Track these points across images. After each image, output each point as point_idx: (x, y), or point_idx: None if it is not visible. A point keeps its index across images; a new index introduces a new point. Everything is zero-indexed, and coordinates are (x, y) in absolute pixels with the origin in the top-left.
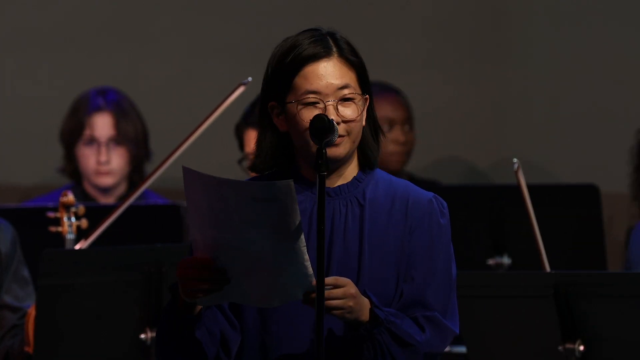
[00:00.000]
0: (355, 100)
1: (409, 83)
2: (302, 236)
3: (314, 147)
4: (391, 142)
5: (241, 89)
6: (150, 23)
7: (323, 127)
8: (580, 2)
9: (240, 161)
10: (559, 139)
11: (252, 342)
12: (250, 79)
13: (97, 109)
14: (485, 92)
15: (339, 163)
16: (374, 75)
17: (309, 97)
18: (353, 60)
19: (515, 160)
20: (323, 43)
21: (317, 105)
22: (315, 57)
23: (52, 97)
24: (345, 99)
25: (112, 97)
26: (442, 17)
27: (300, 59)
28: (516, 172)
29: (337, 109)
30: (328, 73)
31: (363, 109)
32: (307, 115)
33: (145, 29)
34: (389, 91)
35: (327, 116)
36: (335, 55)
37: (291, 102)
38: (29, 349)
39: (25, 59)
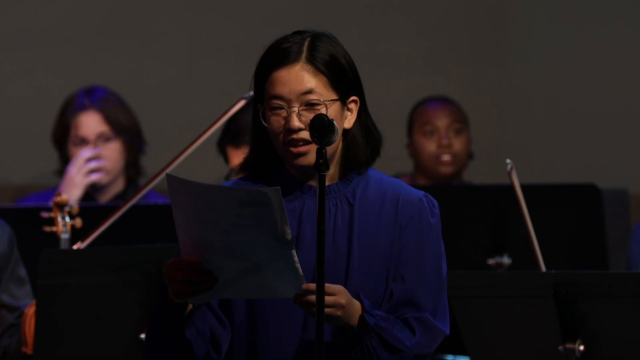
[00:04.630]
0: (320, 106)
1: (409, 83)
2: (292, 240)
3: (285, 153)
4: None
5: (242, 103)
6: (150, 23)
7: (323, 126)
8: (580, 2)
9: (226, 177)
10: (559, 139)
11: (241, 340)
12: (251, 92)
13: (82, 108)
14: (485, 92)
15: (310, 169)
16: (374, 76)
17: (274, 103)
18: (320, 68)
19: (508, 161)
20: (295, 48)
21: (280, 111)
22: (283, 63)
23: (51, 97)
24: (310, 104)
25: (98, 95)
26: (442, 17)
27: (268, 65)
28: (509, 173)
29: (301, 115)
30: (291, 79)
31: (328, 114)
32: (274, 120)
33: (145, 29)
34: None
35: (327, 116)
36: (303, 61)
37: (263, 106)
38: (26, 349)
39: (23, 59)
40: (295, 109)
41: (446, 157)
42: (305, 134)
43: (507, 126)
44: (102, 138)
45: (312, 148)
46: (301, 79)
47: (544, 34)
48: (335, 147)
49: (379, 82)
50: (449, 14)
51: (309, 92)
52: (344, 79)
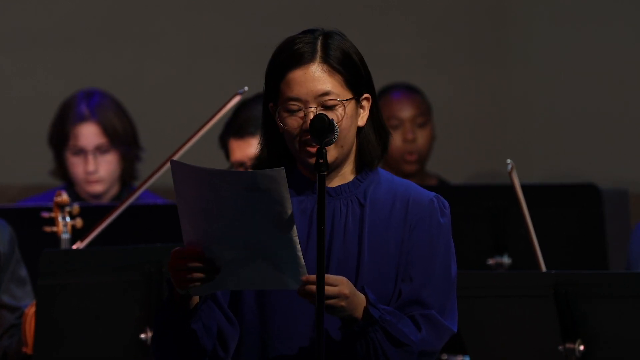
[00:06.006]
0: (337, 107)
1: (409, 83)
2: (294, 226)
3: (302, 153)
4: None
5: (237, 99)
6: (150, 23)
7: (323, 127)
8: (580, 2)
9: None
10: (559, 139)
11: (250, 337)
12: (246, 88)
13: (81, 119)
14: (485, 92)
15: (332, 167)
16: (374, 76)
17: (290, 105)
18: (336, 67)
19: (508, 161)
20: (309, 48)
21: (298, 113)
22: (298, 64)
23: (51, 97)
24: (327, 106)
25: (96, 101)
26: (442, 17)
27: (284, 65)
28: (510, 173)
29: None
30: (308, 79)
31: (346, 114)
32: (290, 122)
33: (145, 29)
34: None
35: (327, 116)
36: (318, 61)
37: (278, 107)
38: (27, 350)
39: (23, 59)
40: (313, 108)
41: (410, 156)
42: None
43: (507, 126)
44: (100, 150)
45: (331, 147)
46: (318, 79)
47: (544, 34)
48: (350, 146)
49: (379, 82)
50: (449, 14)
51: (326, 93)
52: (357, 77)
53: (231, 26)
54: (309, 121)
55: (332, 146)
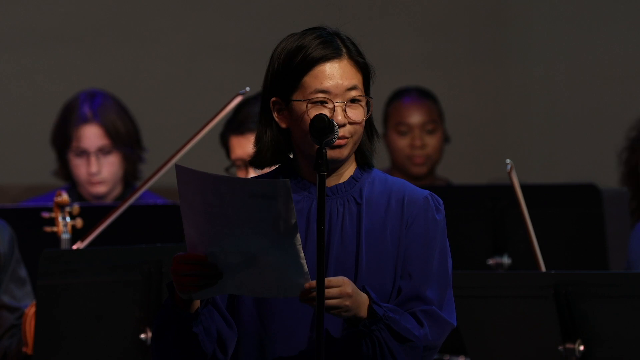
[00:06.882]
0: (362, 103)
1: (409, 83)
2: (298, 234)
3: (316, 146)
4: None
5: (239, 99)
6: (150, 23)
7: (323, 127)
8: (580, 3)
9: (227, 169)
10: (559, 139)
11: (249, 340)
12: (248, 88)
13: (84, 120)
14: (485, 92)
15: (340, 163)
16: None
17: (319, 96)
18: (361, 62)
19: (508, 161)
20: (332, 44)
21: (326, 104)
22: (326, 58)
23: (51, 97)
24: (352, 101)
25: (98, 103)
26: (442, 17)
27: (311, 59)
28: (509, 173)
29: (345, 110)
30: (338, 74)
31: (368, 111)
32: (314, 114)
33: (145, 29)
34: None
35: (327, 116)
36: (345, 56)
37: (299, 100)
38: (27, 350)
39: (23, 59)
40: (342, 104)
41: (419, 158)
42: (347, 129)
43: (507, 126)
44: (103, 151)
45: (349, 142)
46: (347, 74)
47: (544, 34)
48: (357, 146)
49: (379, 82)
50: (449, 14)
51: (354, 88)
52: (369, 78)
53: (231, 26)
54: (337, 116)
55: (350, 140)
